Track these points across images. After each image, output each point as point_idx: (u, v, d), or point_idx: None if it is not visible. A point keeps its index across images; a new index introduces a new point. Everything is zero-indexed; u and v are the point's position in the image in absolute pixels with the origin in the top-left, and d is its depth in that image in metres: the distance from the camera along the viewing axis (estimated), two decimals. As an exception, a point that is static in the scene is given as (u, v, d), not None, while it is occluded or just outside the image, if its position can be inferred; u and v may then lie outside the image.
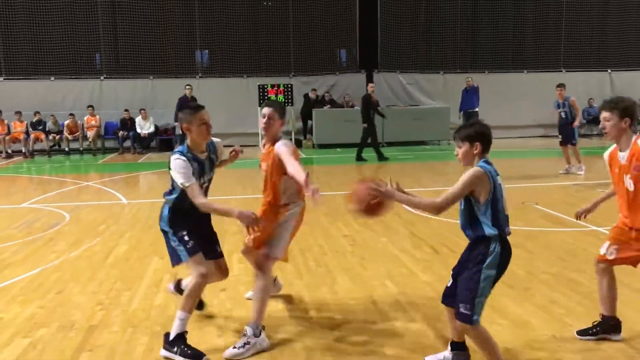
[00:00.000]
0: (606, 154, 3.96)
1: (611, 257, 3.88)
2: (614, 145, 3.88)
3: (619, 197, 3.89)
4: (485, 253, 3.29)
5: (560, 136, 12.16)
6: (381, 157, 14.88)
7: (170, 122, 18.58)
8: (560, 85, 12.29)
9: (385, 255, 6.26)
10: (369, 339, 4.13)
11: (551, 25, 20.62)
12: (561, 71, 20.60)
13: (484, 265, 3.28)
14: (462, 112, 16.89)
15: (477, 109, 16.54)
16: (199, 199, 3.80)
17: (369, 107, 14.94)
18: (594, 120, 20.14)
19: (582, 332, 4.02)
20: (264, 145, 4.35)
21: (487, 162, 3.36)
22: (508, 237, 3.38)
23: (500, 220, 3.32)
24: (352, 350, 3.96)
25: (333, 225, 7.71)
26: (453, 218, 7.85)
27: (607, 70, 20.84)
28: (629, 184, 3.73)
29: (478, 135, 3.38)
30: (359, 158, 14.95)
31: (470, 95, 16.70)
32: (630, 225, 3.81)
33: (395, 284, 5.31)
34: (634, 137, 3.72)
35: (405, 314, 4.60)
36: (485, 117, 19.87)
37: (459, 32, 20.68)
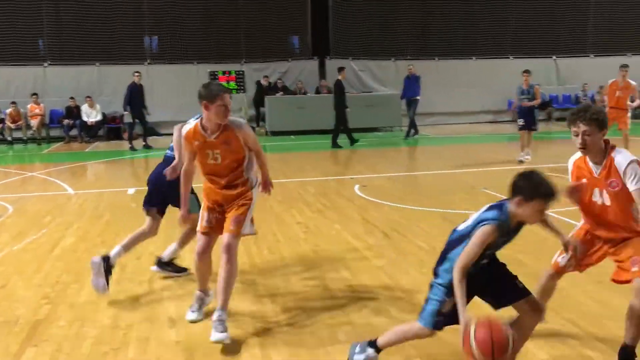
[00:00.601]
0: (571, 162, 3.69)
1: (569, 268, 3.74)
2: (579, 154, 3.58)
3: (585, 209, 3.61)
4: None
5: (521, 121, 12.00)
6: (353, 142, 15.09)
7: (118, 110, 18.09)
8: (527, 72, 11.98)
9: (338, 242, 6.29)
10: (323, 325, 4.14)
11: (499, 12, 20.99)
12: (508, 57, 21.05)
13: None
14: (404, 100, 17.12)
15: (418, 97, 16.75)
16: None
17: (341, 93, 15.10)
18: (541, 106, 20.69)
19: None
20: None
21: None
22: None
23: None
24: (306, 336, 3.97)
25: (287, 212, 7.70)
26: (403, 203, 8.01)
27: (552, 57, 21.41)
28: (602, 198, 3.47)
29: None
30: (335, 145, 15.04)
31: (412, 83, 16.88)
32: (599, 235, 3.58)
33: (348, 269, 5.34)
34: (608, 150, 3.44)
35: (359, 299, 4.63)
36: (435, 103, 20.21)
37: (410, 19, 20.83)
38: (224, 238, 4.05)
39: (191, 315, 4.27)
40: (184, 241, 5.08)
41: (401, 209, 7.74)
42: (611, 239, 3.51)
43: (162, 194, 4.85)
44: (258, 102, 19.14)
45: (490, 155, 13.10)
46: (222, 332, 3.83)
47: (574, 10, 21.51)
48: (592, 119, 3.34)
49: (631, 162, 3.31)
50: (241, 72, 18.51)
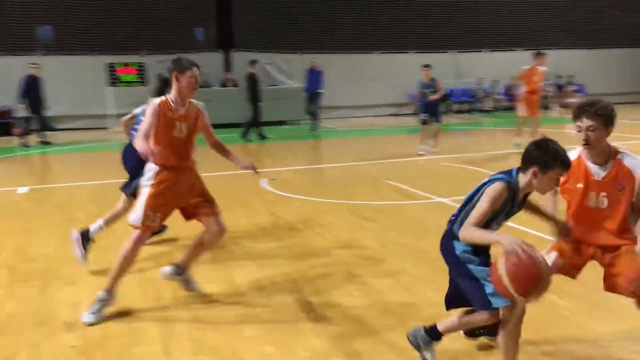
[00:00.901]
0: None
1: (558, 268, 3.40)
2: (577, 152, 3.29)
3: (576, 216, 3.34)
4: None
5: (424, 115, 11.99)
6: (263, 137, 15.13)
7: (7, 104, 16.92)
8: (427, 66, 12.06)
9: (245, 236, 6.24)
10: (230, 321, 4.10)
11: (401, 8, 21.61)
12: (409, 52, 21.73)
13: None
14: (307, 93, 17.19)
15: (321, 91, 16.94)
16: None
17: (255, 86, 15.06)
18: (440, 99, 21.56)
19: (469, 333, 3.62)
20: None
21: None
22: None
23: None
24: (209, 332, 3.90)
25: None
26: (311, 196, 8.08)
27: (450, 52, 22.34)
28: (597, 202, 3.23)
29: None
30: (245, 137, 15.01)
31: (315, 77, 17.00)
32: (588, 242, 3.34)
33: (255, 264, 5.32)
34: (614, 152, 3.21)
35: (265, 293, 4.62)
36: (340, 97, 20.54)
37: (316, 12, 20.97)
38: None
39: (89, 318, 4.08)
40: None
41: (309, 202, 7.80)
42: (602, 245, 3.29)
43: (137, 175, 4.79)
44: (160, 95, 18.50)
45: (394, 147, 13.48)
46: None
47: (470, 8, 22.54)
48: (598, 114, 3.11)
49: None
50: (142, 64, 17.88)
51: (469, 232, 2.93)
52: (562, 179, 3.21)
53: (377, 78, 21.17)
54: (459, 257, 3.12)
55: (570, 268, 3.40)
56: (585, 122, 3.13)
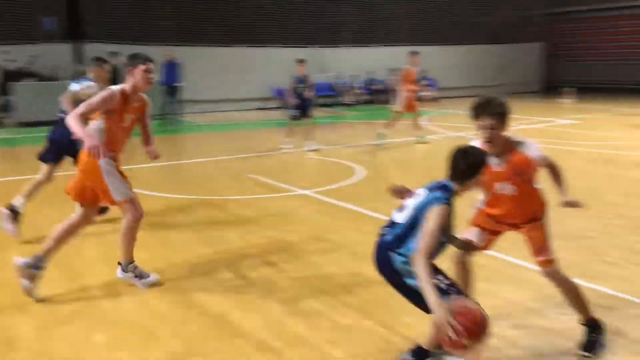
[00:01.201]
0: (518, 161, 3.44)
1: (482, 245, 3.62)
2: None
3: (491, 202, 3.54)
4: None
5: (295, 111, 11.72)
6: None
7: None
8: (302, 61, 11.80)
9: (95, 237, 5.87)
10: (78, 328, 3.83)
11: (265, 1, 21.55)
12: (274, 46, 21.81)
13: None
14: (164, 87, 16.61)
15: (179, 84, 16.52)
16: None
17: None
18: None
19: None
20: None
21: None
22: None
23: None
24: (56, 342, 3.62)
25: (37, 211, 6.95)
26: (169, 192, 7.79)
27: (313, 47, 22.73)
28: (507, 189, 3.41)
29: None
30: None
31: (172, 69, 16.53)
32: (502, 221, 3.56)
33: (107, 267, 5.01)
34: (511, 143, 3.40)
35: (117, 297, 4.39)
36: (202, 90, 20.13)
37: (178, 3, 20.26)
38: None
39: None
40: None
41: (170, 199, 7.54)
42: (514, 223, 3.54)
43: (62, 150, 5.90)
44: (2, 89, 16.97)
45: (258, 142, 13.43)
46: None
47: (330, 4, 23.05)
48: (497, 112, 3.29)
49: (542, 156, 3.37)
50: (-21, 55, 16.23)
51: (421, 266, 2.88)
52: None
53: (241, 72, 20.99)
54: (398, 270, 3.08)
55: (490, 238, 3.62)
56: (486, 121, 3.28)
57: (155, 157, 5.02)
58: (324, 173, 9.23)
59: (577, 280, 3.61)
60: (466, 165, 3.07)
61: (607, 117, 16.62)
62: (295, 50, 22.16)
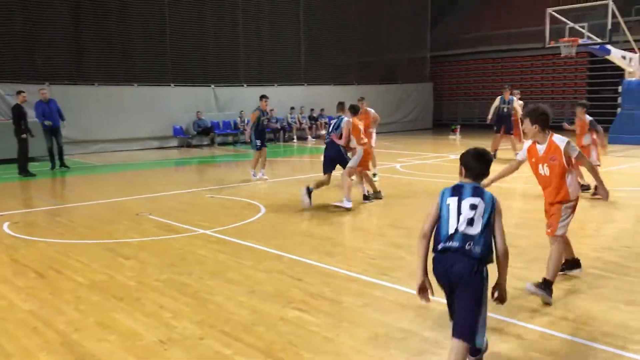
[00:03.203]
0: (525, 146, 5.08)
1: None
2: (530, 141, 4.99)
3: (538, 180, 5.02)
4: None
5: (259, 142, 12.47)
6: (27, 174, 14.08)
7: None
8: (265, 97, 12.67)
9: (-21, 289, 5.46)
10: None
11: (157, 41, 21.28)
12: (170, 85, 21.57)
13: None
14: (44, 128, 15.02)
15: (52, 124, 15.06)
16: None
17: (21, 118, 14.12)
18: (204, 132, 21.72)
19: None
20: None
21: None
22: (438, 252, 3.34)
23: (439, 235, 3.37)
24: None
25: None
26: (62, 238, 7.41)
27: (210, 86, 22.71)
28: (544, 171, 4.87)
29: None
30: (25, 173, 14.07)
31: (52, 108, 15.13)
32: (545, 200, 5.01)
33: (-10, 319, 4.67)
34: (549, 135, 4.81)
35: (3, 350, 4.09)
36: (98, 130, 19.46)
37: (66, 42, 19.52)
38: None
39: None
40: None
41: (59, 244, 7.15)
42: (548, 201, 4.99)
43: None
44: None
45: (156, 181, 13.13)
46: None
47: (226, 44, 23.21)
48: (526, 115, 4.91)
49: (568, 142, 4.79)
50: None
51: (505, 250, 3.38)
52: (527, 158, 5.02)
53: (138, 111, 20.51)
54: (484, 280, 3.27)
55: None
56: (525, 121, 4.91)
57: None
58: (226, 212, 9.14)
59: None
60: (487, 167, 3.53)
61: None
62: (196, 89, 22.12)
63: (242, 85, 23.47)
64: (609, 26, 18.22)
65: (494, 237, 3.32)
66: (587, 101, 11.51)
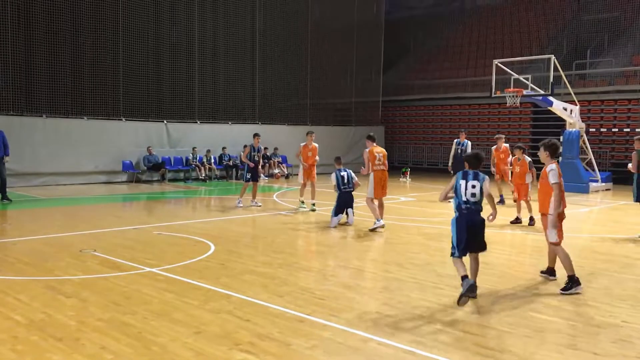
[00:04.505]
0: (544, 171, 6.99)
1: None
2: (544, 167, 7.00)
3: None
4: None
5: (250, 175, 14.20)
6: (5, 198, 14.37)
7: None
8: (258, 135, 14.49)
9: None
10: None
11: (109, 75, 21.01)
12: (121, 119, 21.25)
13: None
14: None
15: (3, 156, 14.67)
16: None
17: None
18: (154, 168, 21.39)
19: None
20: None
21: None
22: (464, 209, 6.32)
23: (458, 199, 6.35)
24: None
25: None
26: (1, 275, 7.07)
27: (163, 121, 22.50)
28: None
29: None
30: (5, 198, 14.48)
31: None
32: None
33: None
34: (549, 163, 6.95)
35: None
36: (43, 163, 18.90)
37: (9, 72, 18.96)
38: None
39: None
40: None
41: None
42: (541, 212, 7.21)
43: None
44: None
45: (101, 217, 12.77)
46: None
47: (181, 80, 23.18)
48: (540, 145, 7.14)
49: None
50: None
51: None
52: (542, 178, 7.12)
53: (86, 144, 20.06)
54: (483, 221, 6.44)
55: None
56: (541, 150, 7.09)
57: None
58: (174, 249, 8.97)
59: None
60: (480, 163, 6.49)
61: (436, 194, 18.14)
62: (148, 124, 21.85)
63: (196, 122, 23.37)
64: (551, 79, 19.14)
65: (482, 193, 6.29)
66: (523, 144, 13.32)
